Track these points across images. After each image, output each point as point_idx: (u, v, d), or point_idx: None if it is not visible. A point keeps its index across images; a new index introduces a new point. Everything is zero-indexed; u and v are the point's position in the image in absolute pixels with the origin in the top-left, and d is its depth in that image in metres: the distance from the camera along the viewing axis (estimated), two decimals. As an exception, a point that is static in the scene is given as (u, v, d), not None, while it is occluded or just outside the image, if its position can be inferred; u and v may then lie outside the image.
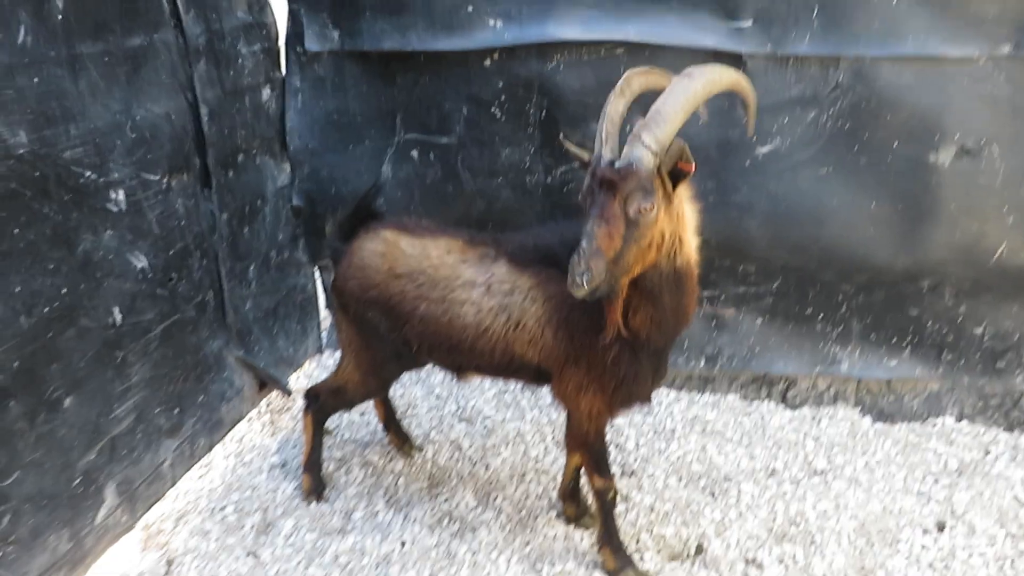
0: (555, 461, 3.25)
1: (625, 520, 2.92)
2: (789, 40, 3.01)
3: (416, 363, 2.93)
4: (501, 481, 3.17)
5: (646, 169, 2.01)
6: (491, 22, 3.18)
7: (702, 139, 3.22)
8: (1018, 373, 3.34)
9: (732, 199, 3.28)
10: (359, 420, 3.59)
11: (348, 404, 3.17)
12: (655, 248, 2.13)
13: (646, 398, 2.54)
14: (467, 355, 2.61)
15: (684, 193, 2.21)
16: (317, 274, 3.98)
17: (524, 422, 3.54)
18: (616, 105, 2.19)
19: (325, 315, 4.25)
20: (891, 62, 2.96)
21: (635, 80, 2.25)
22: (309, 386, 3.20)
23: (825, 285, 3.36)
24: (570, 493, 2.95)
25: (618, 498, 2.98)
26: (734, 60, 3.07)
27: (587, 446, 2.60)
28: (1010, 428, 3.37)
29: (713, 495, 3.07)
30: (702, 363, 3.61)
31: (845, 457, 3.24)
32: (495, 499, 3.07)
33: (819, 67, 3.03)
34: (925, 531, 2.83)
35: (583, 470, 2.77)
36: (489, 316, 2.52)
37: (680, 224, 2.20)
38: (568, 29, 3.15)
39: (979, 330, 3.32)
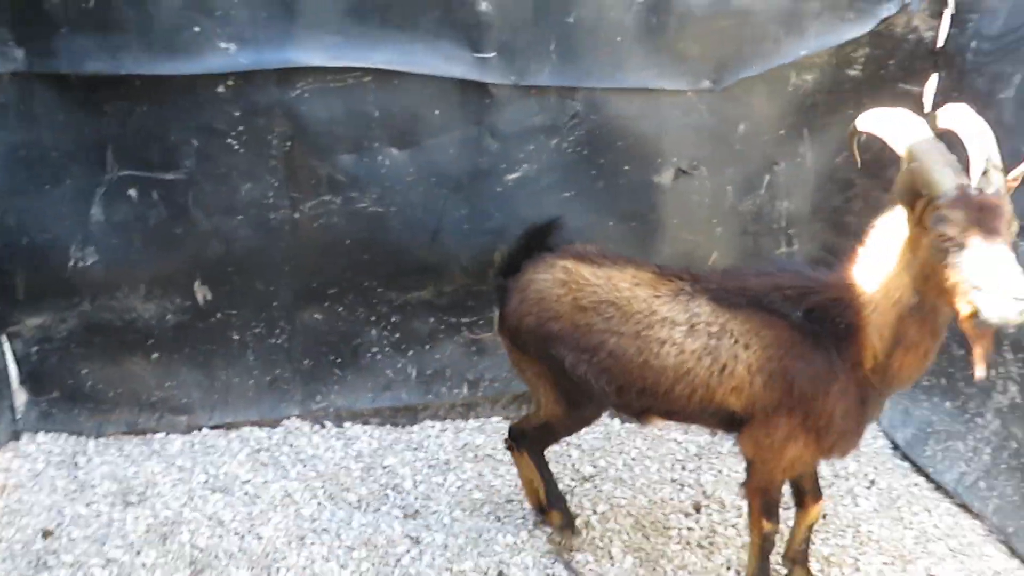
0: (333, 517, 3.13)
1: (421, 563, 2.92)
2: (530, 72, 3.26)
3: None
4: (279, 550, 2.97)
5: (1006, 192, 2.09)
6: (223, 45, 2.98)
7: (454, 167, 3.37)
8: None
9: (486, 225, 3.46)
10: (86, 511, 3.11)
11: (558, 438, 3.09)
12: None
13: (852, 451, 2.51)
14: (661, 399, 2.46)
15: None
16: (7, 346, 3.36)
17: (289, 480, 3.35)
18: (935, 136, 2.18)
19: (20, 392, 3.60)
20: (618, 94, 3.35)
21: (941, 116, 2.30)
22: (510, 425, 3.11)
23: (574, 301, 3.69)
24: (802, 556, 2.83)
25: (408, 542, 3.02)
26: (480, 89, 3.25)
27: (767, 491, 2.55)
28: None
29: (499, 519, 3.19)
30: (465, 390, 3.73)
31: (607, 460, 3.58)
32: (278, 572, 2.87)
33: (558, 97, 3.32)
34: (687, 514, 3.24)
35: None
36: (692, 359, 2.40)
37: None
38: (311, 55, 3.07)
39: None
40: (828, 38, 3.40)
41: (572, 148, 3.40)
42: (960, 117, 2.18)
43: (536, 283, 2.68)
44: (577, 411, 2.79)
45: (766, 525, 2.62)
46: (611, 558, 2.98)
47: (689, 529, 3.17)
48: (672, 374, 2.45)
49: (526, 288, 2.70)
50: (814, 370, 2.36)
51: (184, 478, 3.34)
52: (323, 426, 3.73)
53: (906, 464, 3.61)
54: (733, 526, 3.18)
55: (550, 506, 3.06)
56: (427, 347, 3.66)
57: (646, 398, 2.54)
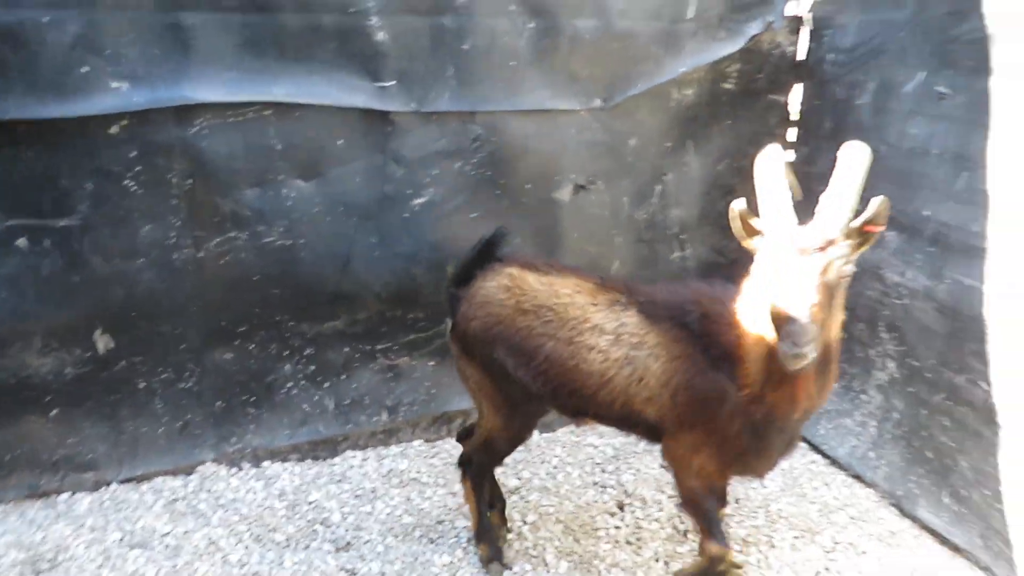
0: (263, 560, 3.08)
1: (361, 596, 2.93)
2: (430, 98, 3.35)
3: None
4: (212, 601, 2.90)
5: (842, 234, 2.08)
6: (114, 84, 2.89)
7: (361, 195, 3.42)
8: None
9: (397, 250, 3.51)
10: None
11: (499, 456, 3.07)
12: (839, 317, 2.17)
13: (763, 472, 2.55)
14: (590, 403, 2.52)
15: None
16: None
17: (212, 527, 3.26)
18: (776, 173, 2.21)
19: None
20: (516, 116, 3.49)
21: (780, 154, 2.31)
22: (461, 453, 3.16)
23: (486, 318, 3.79)
24: None
25: (344, 575, 3.02)
26: (382, 118, 3.31)
27: (695, 504, 2.57)
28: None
29: (433, 541, 3.24)
30: (384, 416, 3.75)
31: (530, 471, 3.70)
32: (213, 622, 2.80)
33: (459, 122, 3.43)
34: (612, 514, 3.40)
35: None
36: (615, 367, 2.47)
37: None
38: (208, 91, 3.04)
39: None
40: (704, 56, 3.70)
41: (475, 170, 3.52)
42: (842, 155, 2.21)
43: (484, 289, 2.78)
44: (515, 419, 2.87)
45: (712, 548, 2.59)
46: (546, 564, 3.09)
47: (616, 528, 3.33)
48: (597, 380, 2.56)
49: (475, 295, 2.80)
50: (709, 387, 2.42)
51: (97, 538, 3.18)
52: (240, 468, 3.64)
53: (803, 444, 3.94)
54: (656, 520, 3.36)
55: (477, 538, 3.11)
56: (343, 377, 3.66)
57: (577, 400, 2.64)
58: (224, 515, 3.36)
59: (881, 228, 2.10)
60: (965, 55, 3.02)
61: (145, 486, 3.54)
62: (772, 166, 2.24)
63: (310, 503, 3.44)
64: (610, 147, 3.69)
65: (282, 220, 3.33)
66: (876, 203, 2.07)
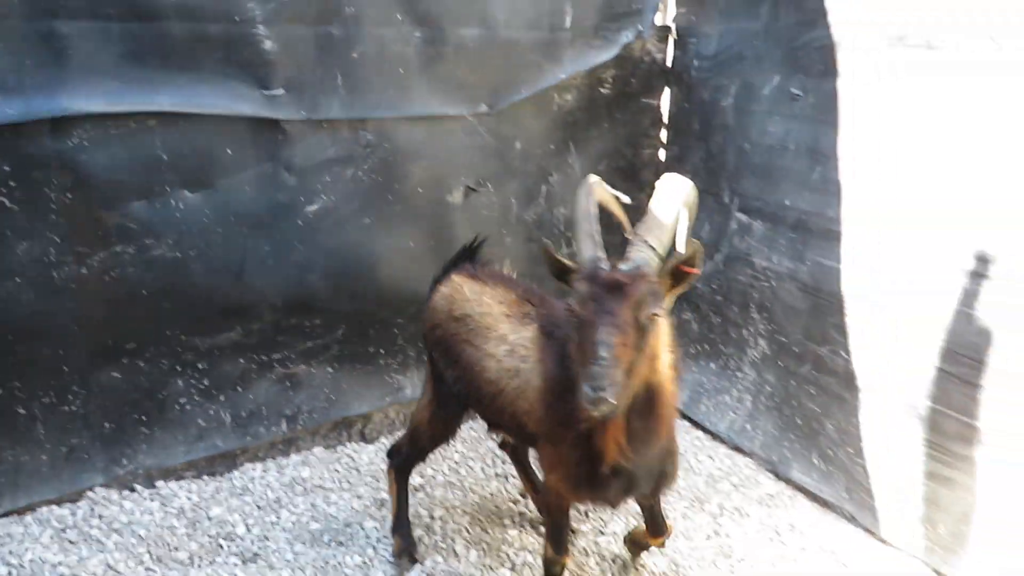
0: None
1: (274, 603, 2.92)
2: (321, 106, 3.38)
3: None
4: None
5: (653, 272, 1.98)
6: (-17, 96, 2.75)
7: (253, 205, 3.39)
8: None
9: (291, 259, 3.51)
10: None
11: (421, 451, 3.17)
12: (650, 360, 2.06)
13: (609, 505, 2.55)
14: (488, 409, 2.57)
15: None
16: None
17: (108, 552, 3.13)
18: (590, 206, 2.13)
19: None
20: (406, 122, 3.58)
21: (596, 187, 2.26)
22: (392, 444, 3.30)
23: (383, 323, 3.84)
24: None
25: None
26: (272, 126, 3.31)
27: (548, 511, 2.68)
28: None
29: (343, 544, 3.26)
30: (283, 426, 3.72)
31: (432, 468, 3.78)
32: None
33: (350, 129, 3.48)
34: (515, 502, 3.54)
35: None
36: (505, 377, 2.49)
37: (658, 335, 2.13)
38: (88, 101, 2.93)
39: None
40: (581, 63, 3.92)
41: (367, 176, 3.57)
42: (659, 187, 2.17)
43: (436, 295, 2.94)
44: (439, 417, 2.99)
45: (548, 551, 2.71)
46: (456, 555, 3.19)
47: (521, 514, 3.48)
48: (493, 388, 2.64)
49: (432, 299, 2.99)
50: (562, 412, 2.33)
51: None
52: (133, 490, 3.52)
53: (687, 423, 4.22)
54: (559, 505, 3.55)
55: (393, 531, 3.19)
56: (240, 389, 3.61)
57: (482, 407, 2.75)
58: (120, 539, 3.25)
59: (696, 272, 2.00)
60: (813, 60, 3.37)
61: (29, 517, 3.34)
62: (585, 198, 2.21)
63: (211, 518, 3.38)
64: (497, 150, 3.84)
65: (171, 232, 3.25)
66: (690, 246, 2.00)
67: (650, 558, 3.18)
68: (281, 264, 3.49)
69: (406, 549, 3.13)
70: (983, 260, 2.78)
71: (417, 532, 3.30)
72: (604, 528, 3.35)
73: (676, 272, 2.04)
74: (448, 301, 2.88)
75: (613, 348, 1.87)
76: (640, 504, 2.81)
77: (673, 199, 2.12)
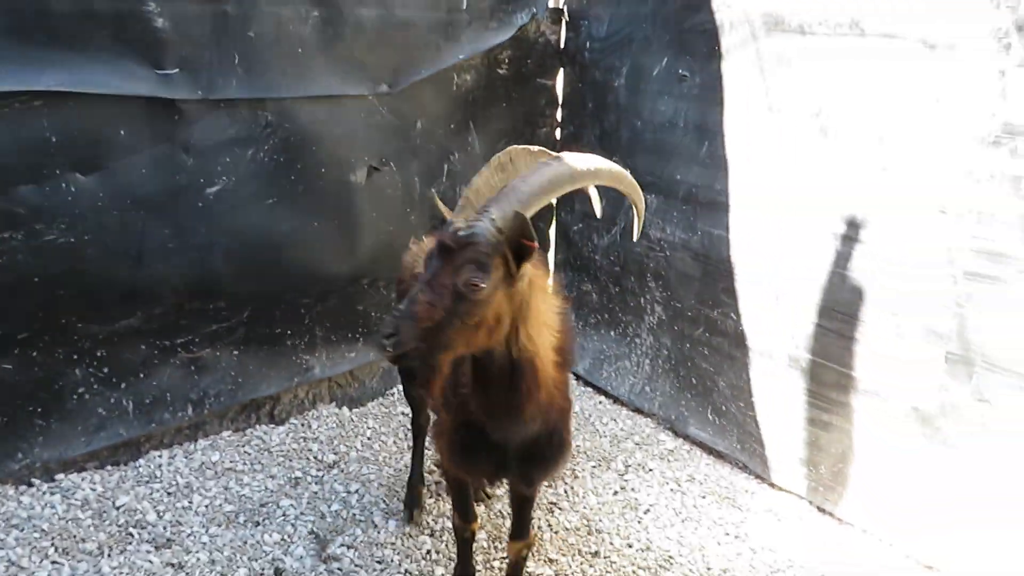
0: (75, 572, 2.91)
1: (192, 585, 2.91)
2: (217, 86, 3.31)
3: None
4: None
5: (485, 243, 1.93)
6: None
7: (150, 187, 3.30)
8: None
9: (192, 241, 3.44)
10: None
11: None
12: (485, 330, 2.02)
13: (479, 478, 2.58)
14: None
15: (537, 282, 2.13)
16: None
17: (8, 548, 3.01)
18: (487, 177, 2.13)
19: None
20: (306, 102, 3.55)
21: (520, 157, 2.20)
22: None
23: (289, 303, 3.82)
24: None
25: (172, 570, 2.97)
26: (167, 106, 3.22)
27: (448, 481, 2.80)
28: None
29: (259, 523, 3.26)
30: (190, 411, 3.66)
31: (346, 445, 3.82)
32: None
33: (249, 109, 3.43)
34: (430, 472, 3.60)
35: None
36: None
37: (522, 312, 2.09)
38: (-35, 81, 2.79)
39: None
40: (479, 44, 4.00)
41: (269, 157, 3.53)
42: (535, 166, 2.13)
43: (408, 252, 3.05)
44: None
45: (455, 519, 2.78)
46: (375, 526, 3.25)
47: (437, 483, 3.56)
48: None
49: (404, 256, 3.06)
50: (451, 377, 2.37)
51: None
52: (31, 484, 3.37)
53: (590, 389, 4.43)
54: (472, 473, 3.65)
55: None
56: (142, 376, 3.51)
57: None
58: (21, 535, 3.12)
59: (532, 245, 1.95)
60: (699, 43, 3.58)
61: (-80, 519, 3.21)
62: (490, 168, 2.22)
63: (119, 508, 3.30)
64: (399, 130, 3.87)
65: (63, 217, 3.13)
66: (514, 219, 1.93)
67: (563, 515, 3.34)
68: (182, 247, 3.41)
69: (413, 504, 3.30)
70: (853, 225, 3.05)
71: (334, 507, 3.35)
72: (516, 491, 3.50)
73: (518, 246, 1.98)
74: (413, 259, 2.91)
75: (416, 304, 1.91)
76: (511, 497, 2.79)
77: (545, 177, 2.06)
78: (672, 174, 3.78)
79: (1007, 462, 2.73)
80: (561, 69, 4.37)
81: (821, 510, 3.38)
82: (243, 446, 3.76)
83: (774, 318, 3.42)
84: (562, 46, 4.33)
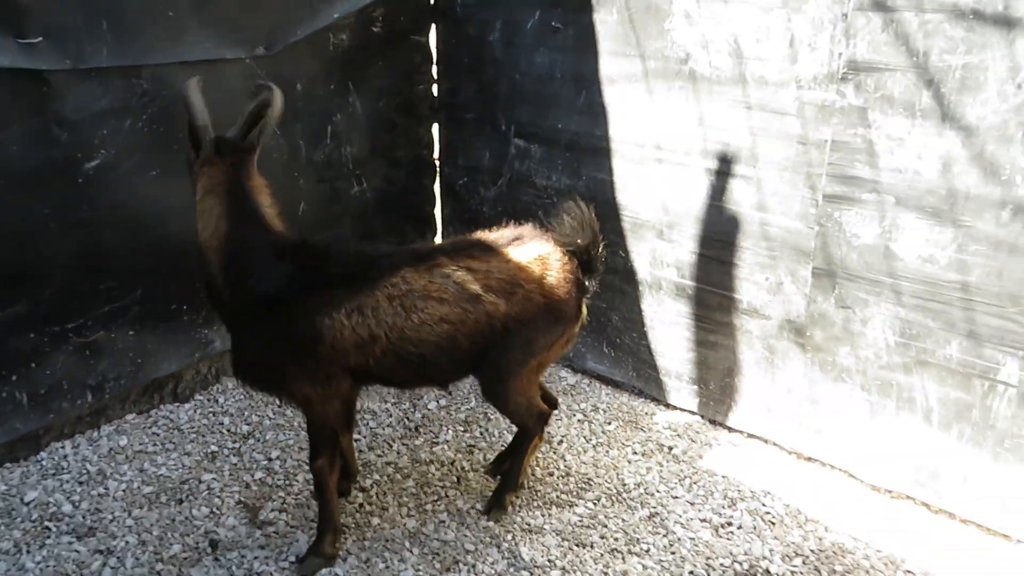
0: None
1: (126, 569, 2.83)
2: (87, 54, 3.12)
3: None
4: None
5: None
6: None
7: (23, 164, 3.09)
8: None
9: (76, 219, 3.26)
10: None
11: None
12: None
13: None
14: None
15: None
16: None
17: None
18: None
19: None
20: (183, 67, 3.40)
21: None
22: None
23: (184, 277, 3.67)
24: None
25: (100, 557, 2.91)
26: (34, 78, 3.01)
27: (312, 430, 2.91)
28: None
29: (184, 500, 3.22)
30: (89, 397, 3.50)
31: (257, 415, 3.80)
32: None
33: (122, 78, 3.26)
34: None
35: None
36: None
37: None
38: None
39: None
40: (352, 3, 3.96)
41: (148, 127, 3.38)
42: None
43: None
44: None
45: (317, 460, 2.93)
46: (303, 489, 3.29)
47: (356, 440, 3.63)
48: None
49: None
50: None
51: None
52: (-80, 491, 3.18)
53: (488, 337, 4.60)
54: (389, 425, 3.74)
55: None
56: (34, 365, 3.32)
57: None
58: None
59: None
60: (570, -5, 3.73)
61: None
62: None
63: (29, 503, 3.15)
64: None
65: (-73, 202, 2.90)
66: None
67: (482, 453, 3.51)
68: (65, 226, 3.23)
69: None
70: (725, 160, 3.34)
71: (258, 475, 3.35)
72: (436, 438, 3.63)
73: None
74: None
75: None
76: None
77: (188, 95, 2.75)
78: (554, 124, 3.94)
79: (864, 357, 3.15)
80: (434, 25, 4.41)
81: (713, 422, 3.74)
82: (150, 427, 3.66)
83: (660, 251, 3.70)
84: (432, 2, 4.36)
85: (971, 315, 2.86)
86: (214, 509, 3.15)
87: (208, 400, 3.88)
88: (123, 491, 3.26)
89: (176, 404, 3.83)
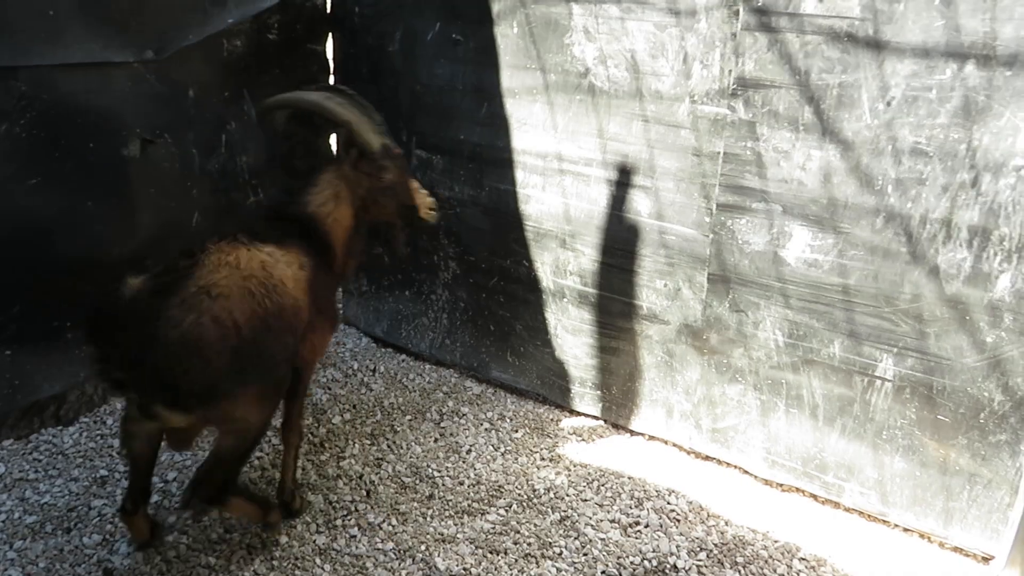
0: None
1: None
2: (-42, 54, 2.91)
3: None
4: None
5: None
6: None
7: None
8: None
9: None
10: None
11: None
12: None
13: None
14: None
15: None
16: None
17: None
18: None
19: None
20: (65, 70, 3.23)
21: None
22: None
23: (66, 292, 3.45)
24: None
25: None
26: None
27: None
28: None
29: (70, 529, 3.00)
30: (-43, 423, 3.24)
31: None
32: None
33: (-1, 80, 3.06)
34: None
35: None
36: None
37: None
38: None
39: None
40: (247, 8, 3.86)
41: (27, 132, 3.17)
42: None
43: None
44: None
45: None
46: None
47: (259, 458, 3.52)
48: None
49: None
50: None
51: None
52: None
53: (391, 348, 4.55)
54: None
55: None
56: None
57: None
58: None
59: None
60: (470, 8, 3.77)
61: None
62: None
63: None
64: (170, 99, 3.64)
65: None
66: None
67: (390, 466, 3.48)
68: (-66, 240, 3.00)
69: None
70: (625, 171, 3.47)
71: (154, 499, 3.16)
72: (343, 453, 3.57)
73: None
74: None
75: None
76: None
77: None
78: (456, 135, 3.97)
79: (756, 358, 3.34)
80: (331, 34, 4.36)
81: (616, 426, 3.85)
82: (30, 453, 3.42)
83: (563, 260, 3.79)
84: (329, 11, 4.31)
85: (851, 315, 3.09)
86: (107, 536, 2.98)
87: (95, 422, 3.66)
88: (2, 522, 3.03)
89: (59, 428, 3.58)
